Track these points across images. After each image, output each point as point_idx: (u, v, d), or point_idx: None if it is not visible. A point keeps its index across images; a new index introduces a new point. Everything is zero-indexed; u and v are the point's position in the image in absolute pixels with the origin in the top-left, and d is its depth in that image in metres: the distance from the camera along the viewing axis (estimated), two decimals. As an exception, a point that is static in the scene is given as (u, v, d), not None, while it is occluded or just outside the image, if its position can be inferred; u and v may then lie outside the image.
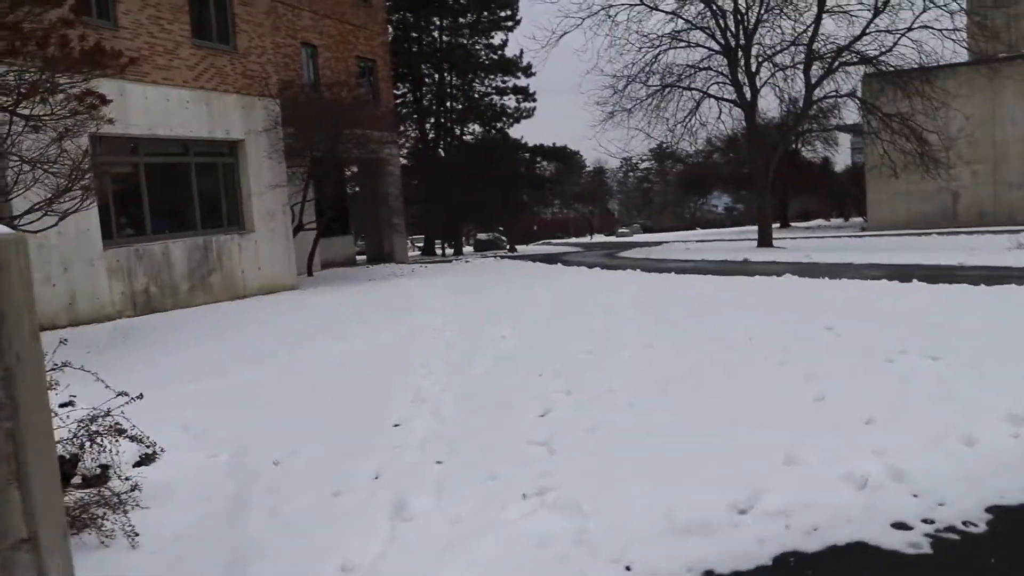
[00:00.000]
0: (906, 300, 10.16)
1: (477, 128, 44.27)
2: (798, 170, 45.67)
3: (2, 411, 2.06)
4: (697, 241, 36.23)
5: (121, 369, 9.32)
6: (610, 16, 26.80)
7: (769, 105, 55.54)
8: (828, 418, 4.98)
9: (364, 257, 33.01)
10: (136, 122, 15.50)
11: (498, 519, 3.66)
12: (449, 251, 44.63)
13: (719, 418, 5.16)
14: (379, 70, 30.30)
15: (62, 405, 5.82)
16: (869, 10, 24.94)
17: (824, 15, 25.59)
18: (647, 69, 27.08)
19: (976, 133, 30.49)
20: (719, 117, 38.51)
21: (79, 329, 13.55)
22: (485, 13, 41.66)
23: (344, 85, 25.05)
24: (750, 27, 26.67)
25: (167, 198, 17.24)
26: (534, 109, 43.72)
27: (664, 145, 31.36)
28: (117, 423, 4.41)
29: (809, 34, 26.01)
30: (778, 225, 47.26)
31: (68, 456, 4.39)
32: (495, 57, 42.80)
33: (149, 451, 4.78)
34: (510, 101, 43.65)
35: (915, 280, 11.83)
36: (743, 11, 26.67)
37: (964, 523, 3.60)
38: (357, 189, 33.55)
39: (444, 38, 41.63)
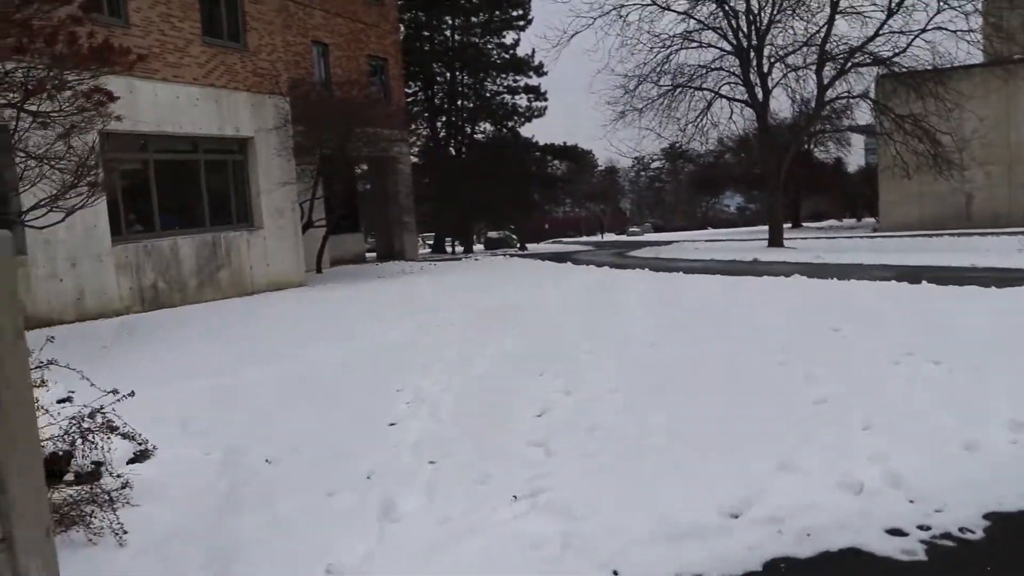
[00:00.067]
0: (914, 302, 10.05)
1: (488, 127, 44.27)
2: (810, 171, 45.43)
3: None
4: (707, 241, 36.08)
5: (124, 365, 9.35)
6: (621, 16, 26.75)
7: (781, 106, 55.35)
8: (827, 421, 4.92)
9: (374, 254, 33.04)
10: (146, 119, 15.53)
11: (488, 520, 3.63)
12: (459, 249, 44.61)
13: (717, 420, 5.11)
14: (390, 69, 30.30)
15: (59, 401, 5.85)
16: (883, 11, 24.76)
17: (837, 16, 25.43)
18: (658, 69, 27.00)
19: (990, 135, 30.20)
20: (730, 117, 38.24)
21: (86, 324, 13.61)
22: (497, 12, 41.62)
23: (355, 84, 25.05)
24: (762, 28, 26.53)
25: (176, 195, 17.29)
26: (545, 108, 43.68)
27: (676, 145, 31.26)
28: (109, 420, 4.40)
29: (822, 35, 25.85)
30: (790, 225, 47.01)
31: (61, 453, 4.39)
32: (507, 56, 42.76)
33: (141, 448, 4.77)
34: (521, 100, 43.65)
35: (924, 281, 11.71)
36: (755, 12, 26.54)
37: (961, 530, 3.54)
38: (368, 187, 33.58)
39: (456, 37, 41.61)
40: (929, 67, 24.58)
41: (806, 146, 42.34)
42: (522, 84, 43.25)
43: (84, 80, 10.57)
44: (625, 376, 6.68)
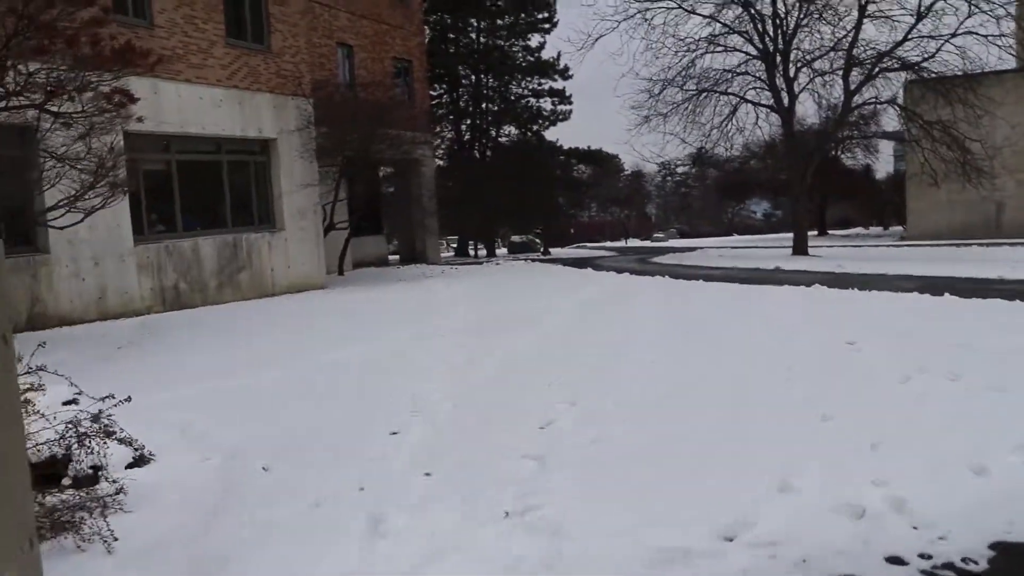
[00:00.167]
0: (934, 315, 9.86)
1: (513, 130, 44.20)
2: (838, 177, 44.92)
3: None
4: (732, 247, 35.79)
5: (135, 366, 9.43)
6: (646, 19, 26.65)
7: (807, 111, 54.70)
8: (832, 440, 4.80)
9: (397, 257, 33.13)
10: (169, 120, 15.67)
11: (472, 539, 3.56)
12: (482, 252, 44.61)
13: (719, 437, 5.01)
14: (415, 71, 30.36)
15: (65, 403, 5.85)
16: (911, 15, 24.44)
17: (865, 20, 25.15)
18: (684, 73, 26.85)
19: (1022, 142, 29.69)
20: (756, 123, 37.96)
21: (107, 323, 13.75)
22: (523, 15, 41.58)
23: (379, 85, 25.13)
24: (789, 32, 26.30)
25: (198, 195, 17.43)
26: (570, 112, 43.55)
27: (702, 150, 31.08)
28: (106, 425, 4.39)
29: (849, 39, 25.54)
30: (815, 233, 46.53)
31: (60, 456, 4.39)
32: (532, 59, 42.70)
33: (139, 453, 4.76)
34: (546, 104, 43.55)
35: (947, 294, 11.48)
36: (782, 16, 26.31)
37: (964, 560, 3.40)
38: (391, 189, 33.68)
39: (481, 39, 41.63)
40: (959, 72, 24.20)
41: (833, 152, 41.88)
42: (547, 87, 43.22)
43: (105, 81, 10.68)
44: (630, 388, 6.59)
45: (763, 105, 27.65)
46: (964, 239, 29.49)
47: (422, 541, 3.57)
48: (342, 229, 23.15)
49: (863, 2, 25.03)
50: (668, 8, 26.56)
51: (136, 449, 4.59)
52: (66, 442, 4.20)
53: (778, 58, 26.55)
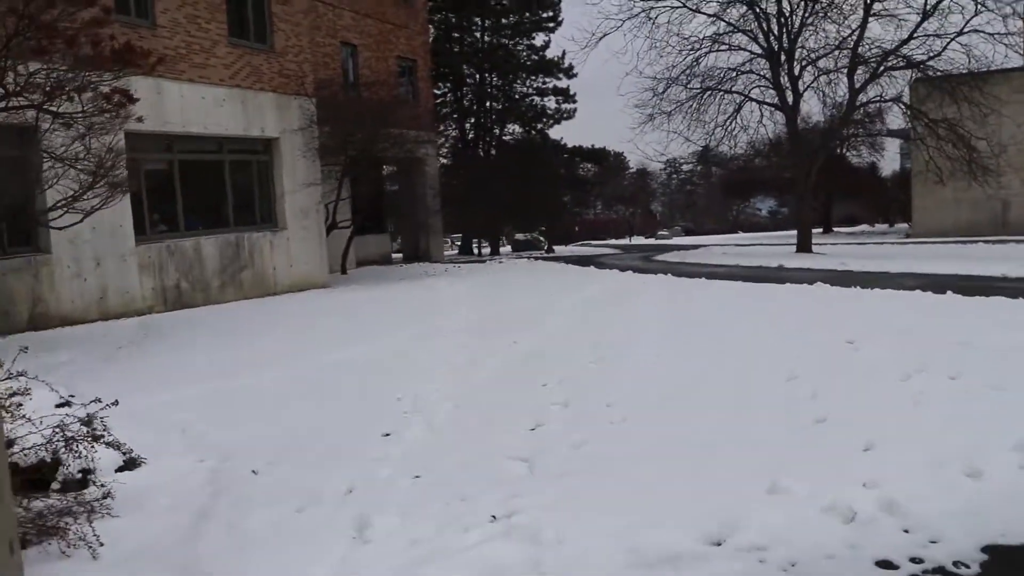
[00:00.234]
0: (936, 313, 9.79)
1: (517, 129, 44.12)
2: (843, 175, 44.76)
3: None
4: (736, 245, 35.68)
5: (134, 366, 9.43)
6: (651, 18, 26.51)
7: (812, 109, 54.58)
8: (826, 442, 4.75)
9: (401, 255, 33.12)
10: (171, 119, 15.68)
11: (455, 545, 3.52)
12: (486, 251, 44.56)
13: (712, 438, 4.96)
14: (419, 70, 30.32)
15: (58, 405, 5.85)
16: (917, 13, 24.24)
17: (870, 19, 24.98)
18: (688, 72, 26.74)
19: (1029, 141, 29.52)
20: (760, 121, 37.85)
21: (108, 323, 13.76)
22: (527, 14, 41.51)
23: (383, 85, 25.09)
24: (794, 30, 26.15)
25: (201, 195, 17.42)
26: (575, 110, 43.44)
27: (708, 148, 31.00)
28: (94, 428, 4.37)
29: (854, 38, 25.39)
30: (821, 230, 46.38)
31: (50, 460, 4.38)
32: (536, 58, 42.62)
33: (130, 456, 4.74)
34: (550, 102, 43.43)
35: (949, 292, 11.40)
36: (787, 14, 26.17)
37: (955, 564, 3.35)
38: (395, 188, 33.66)
39: (486, 38, 41.55)
40: (965, 71, 24.03)
41: (838, 150, 41.72)
42: (551, 86, 43.09)
43: (106, 82, 10.68)
44: (627, 389, 6.55)
45: (767, 103, 27.54)
46: (970, 237, 29.34)
47: (405, 547, 3.54)
48: (345, 228, 23.13)
49: (868, 0, 24.90)
50: (672, 7, 26.44)
51: (124, 453, 4.58)
52: (53, 446, 4.18)
53: (782, 56, 26.42)
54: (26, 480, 4.14)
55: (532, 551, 3.43)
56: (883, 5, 24.96)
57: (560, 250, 42.44)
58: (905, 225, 42.81)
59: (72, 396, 6.15)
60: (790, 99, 26.83)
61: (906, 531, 3.60)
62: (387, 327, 11.51)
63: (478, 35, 41.45)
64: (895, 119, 34.83)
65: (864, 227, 55.56)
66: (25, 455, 4.18)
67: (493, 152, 42.72)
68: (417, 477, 4.59)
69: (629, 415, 5.70)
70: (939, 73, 24.59)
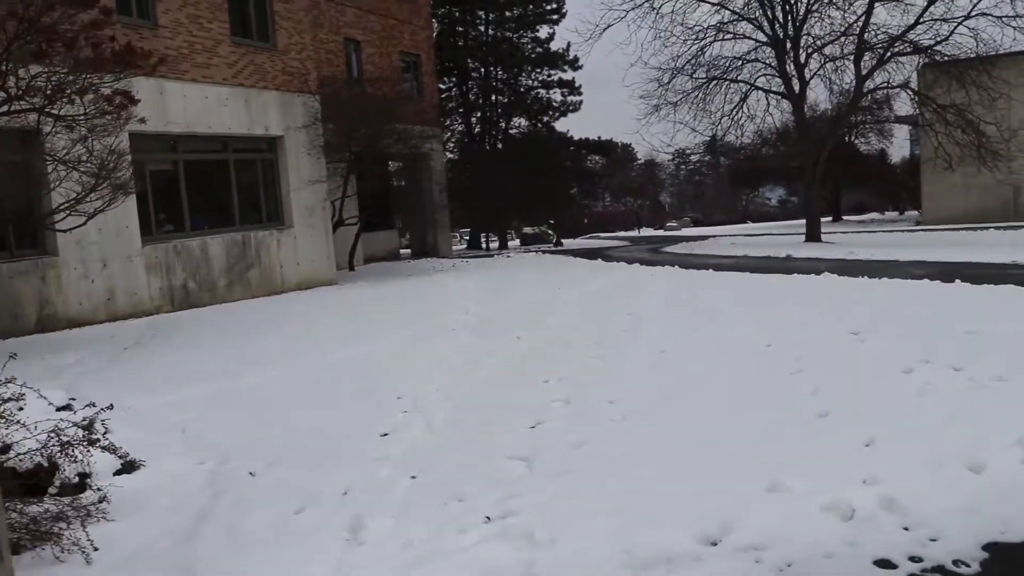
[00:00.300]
0: (943, 302, 9.68)
1: (523, 122, 44.07)
2: (852, 163, 44.47)
3: None
4: (745, 235, 35.50)
5: (139, 367, 9.45)
6: (654, 8, 26.40)
7: (819, 97, 54.21)
8: (827, 438, 4.70)
9: (409, 251, 33.13)
10: (175, 120, 15.69)
11: (450, 546, 3.50)
12: (494, 245, 44.55)
13: (712, 436, 4.92)
14: (423, 65, 30.26)
15: (59, 408, 5.85)
16: (924, -3, 24.05)
17: (876, 4, 24.79)
18: (693, 62, 26.62)
19: (1040, 125, 29.20)
20: (767, 110, 37.66)
21: (116, 324, 13.80)
22: (531, 6, 41.40)
23: (387, 80, 25.05)
24: (799, 17, 25.99)
25: (206, 194, 17.45)
26: (580, 103, 43.35)
27: (716, 139, 30.89)
28: (89, 433, 4.37)
29: (860, 24, 25.20)
30: (830, 219, 46.14)
31: (47, 465, 4.38)
32: (541, 50, 42.53)
33: (128, 460, 4.74)
34: (556, 95, 43.40)
35: (958, 280, 11.29)
36: (792, 1, 25.99)
37: (955, 563, 3.29)
38: (402, 184, 33.66)
39: (490, 32, 41.48)
40: (972, 55, 23.81)
41: (847, 138, 41.45)
42: (556, 79, 43.02)
43: (107, 83, 10.68)
44: (628, 385, 6.51)
45: (774, 92, 27.41)
46: (981, 223, 29.11)
47: (399, 549, 3.51)
48: (352, 225, 23.13)
49: (874, -15, 24.70)
50: (676, -4, 26.33)
51: (120, 457, 4.57)
52: (48, 451, 4.18)
53: (788, 44, 26.25)
54: (23, 485, 4.14)
55: (526, 552, 3.40)
56: (889, -11, 24.77)
57: (568, 243, 42.40)
58: (915, 212, 42.55)
59: (73, 399, 6.16)
60: (796, 87, 26.68)
61: (906, 529, 3.55)
62: (391, 325, 11.49)
63: (482, 29, 41.39)
64: (903, 105, 34.63)
65: (874, 215, 55.23)
66: (21, 460, 4.18)
67: (500, 146, 42.69)
68: (414, 477, 4.57)
69: (630, 412, 5.67)
70: (947, 58, 24.39)
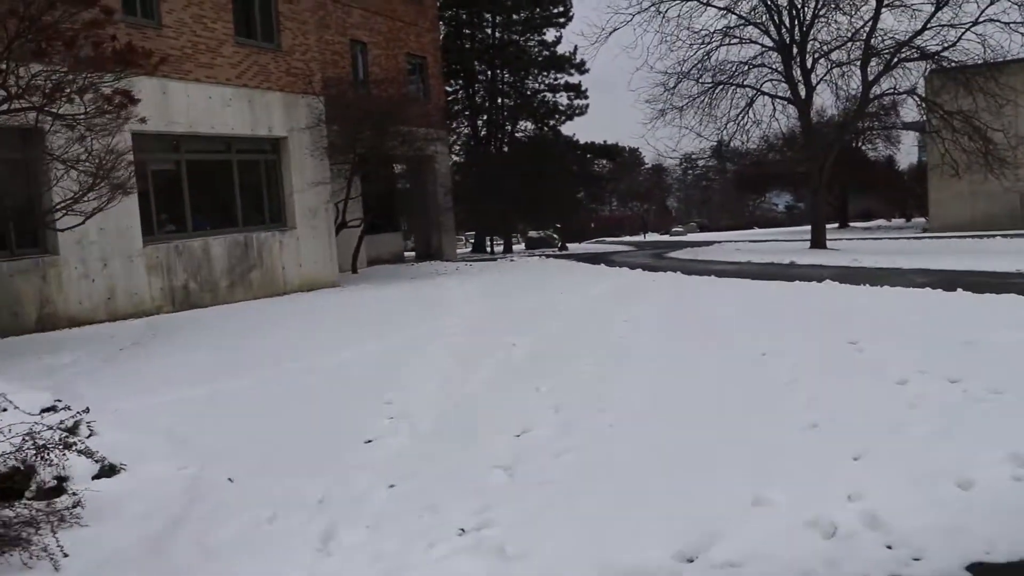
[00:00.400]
0: (943, 311, 9.57)
1: (529, 125, 44.03)
2: (859, 169, 44.31)
3: None
4: (750, 241, 35.39)
5: (134, 368, 9.42)
6: (660, 12, 26.31)
7: (826, 102, 54.04)
8: (815, 450, 4.61)
9: (413, 254, 33.09)
10: (178, 120, 15.68)
11: (420, 560, 3.44)
12: (498, 248, 44.49)
13: (701, 446, 4.84)
14: (429, 67, 30.23)
15: (44, 410, 5.83)
16: (931, 3, 23.89)
17: (883, 9, 24.64)
18: (699, 66, 26.53)
19: (1047, 133, 28.99)
20: (773, 115, 37.50)
21: (116, 324, 13.79)
22: (538, 9, 41.36)
23: (392, 82, 25.02)
24: (806, 22, 25.87)
25: (208, 195, 17.44)
26: (587, 106, 43.26)
27: (722, 143, 30.79)
28: (66, 437, 4.33)
29: (867, 29, 25.08)
30: (836, 226, 45.98)
31: (23, 468, 4.34)
32: (547, 54, 42.48)
33: (101, 464, 4.69)
34: (562, 98, 43.29)
35: (960, 289, 11.18)
36: (799, 6, 25.89)
37: (937, 583, 3.23)
38: (407, 186, 33.63)
39: (497, 34, 41.45)
40: (980, 61, 23.67)
41: (854, 144, 41.30)
42: (563, 82, 42.92)
43: (107, 83, 10.66)
44: (620, 393, 6.44)
45: (780, 97, 27.28)
46: (988, 231, 28.94)
47: (369, 561, 3.45)
48: (355, 227, 23.10)
49: (881, -9, 24.58)
50: (683, 0, 26.26)
51: (97, 461, 4.53)
52: (22, 455, 4.14)
53: (795, 49, 26.15)
54: (-2, 488, 4.10)
55: (500, 566, 3.33)
56: (896, -5, 24.64)
57: (573, 247, 42.36)
58: (922, 220, 42.36)
59: (59, 400, 6.12)
60: (803, 93, 26.56)
61: (889, 547, 3.46)
62: (389, 328, 11.45)
63: (489, 31, 41.36)
64: (910, 112, 34.41)
65: (880, 222, 55.06)
66: (-5, 464, 4.14)
67: (505, 149, 42.64)
68: (392, 486, 4.51)
69: (618, 421, 5.59)
70: (954, 64, 24.24)
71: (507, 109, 42.64)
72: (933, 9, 23.79)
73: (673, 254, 28.40)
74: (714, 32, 26.53)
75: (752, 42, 26.79)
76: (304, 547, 3.66)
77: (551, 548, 3.45)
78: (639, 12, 26.37)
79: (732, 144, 29.60)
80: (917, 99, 26.48)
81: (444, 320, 11.82)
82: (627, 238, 60.04)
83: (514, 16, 41.50)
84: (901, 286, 12.33)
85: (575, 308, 12.48)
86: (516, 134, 43.76)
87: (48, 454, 4.15)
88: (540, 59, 42.46)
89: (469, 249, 44.90)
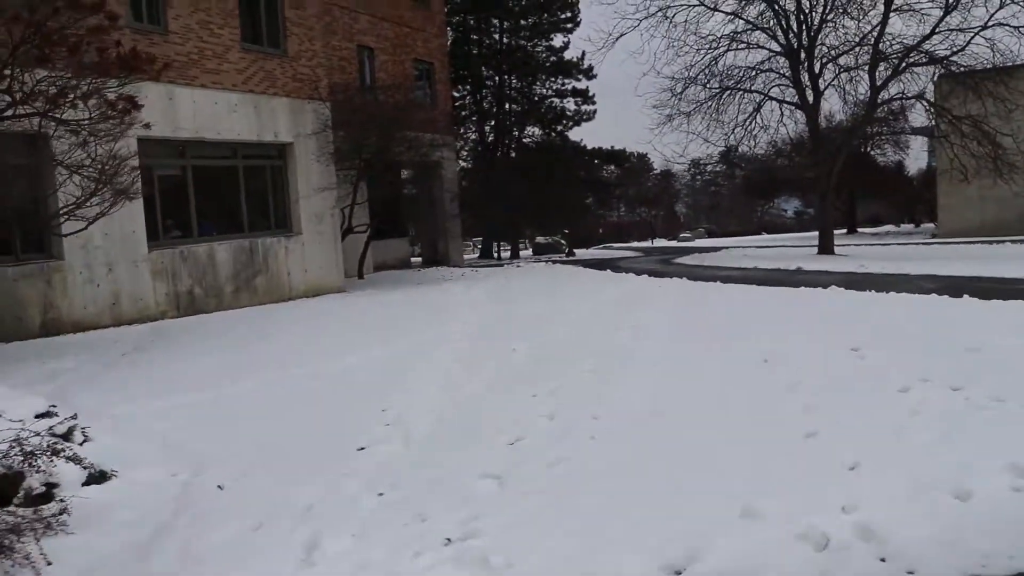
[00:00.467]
0: (948, 318, 9.46)
1: (537, 131, 44.02)
2: (868, 174, 44.09)
3: None
4: (757, 247, 35.21)
5: (134, 374, 9.42)
6: (667, 17, 26.27)
7: (834, 108, 53.81)
8: (811, 459, 4.54)
9: (420, 259, 33.09)
10: (184, 125, 15.71)
11: (406, 569, 3.39)
12: (505, 254, 44.48)
13: (696, 454, 4.77)
14: (437, 72, 30.24)
15: (39, 415, 5.81)
16: (940, 8, 23.76)
17: (892, 14, 24.52)
18: (706, 71, 26.47)
19: (1056, 137, 28.77)
20: (780, 120, 37.37)
21: (120, 329, 13.80)
22: (546, 15, 41.37)
23: (400, 88, 25.04)
24: (813, 27, 25.78)
25: (214, 200, 17.46)
26: (594, 112, 43.20)
27: (731, 148, 30.70)
28: (54, 444, 4.30)
29: (875, 34, 24.97)
30: (845, 231, 45.75)
31: (9, 474, 4.31)
32: (555, 59, 42.47)
33: (89, 471, 4.66)
34: (569, 104, 43.26)
35: (966, 295, 11.07)
36: (806, 11, 25.81)
37: (931, 597, 3.16)
38: (414, 192, 33.66)
39: (504, 40, 41.47)
40: (989, 66, 23.51)
41: (863, 149, 41.11)
42: (570, 87, 42.91)
43: (112, 88, 10.68)
44: (617, 401, 6.37)
45: (788, 102, 27.18)
46: (997, 236, 28.72)
47: (352, 571, 3.41)
48: (361, 232, 23.10)
49: (889, -5, 24.47)
50: (690, 5, 26.19)
51: (85, 468, 4.50)
52: (9, 461, 4.11)
53: (802, 54, 26.05)
54: (-15, 495, 4.08)
55: (483, 577, 3.28)
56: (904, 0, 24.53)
57: (581, 253, 42.26)
58: (931, 225, 42.11)
59: (54, 406, 6.11)
60: (811, 97, 26.46)
61: (882, 560, 3.38)
62: (392, 334, 11.42)
63: (496, 37, 41.38)
64: (919, 116, 34.26)
65: (889, 227, 54.75)
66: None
67: (513, 155, 42.64)
68: (381, 494, 4.46)
69: (613, 429, 5.52)
70: (963, 68, 24.08)
71: (514, 115, 42.64)
72: (942, 13, 23.67)
73: (680, 260, 28.31)
74: (721, 37, 26.51)
75: (760, 47, 26.75)
76: (288, 556, 3.62)
77: (536, 560, 3.40)
78: (646, 17, 26.37)
79: (740, 149, 29.49)
80: (926, 104, 26.31)
81: (448, 326, 11.78)
82: (635, 244, 59.92)
83: (522, 22, 41.52)
84: (907, 292, 12.21)
85: (579, 314, 12.42)
86: (524, 140, 43.78)
87: (36, 460, 4.12)
88: (548, 65, 42.45)
89: (476, 255, 44.88)
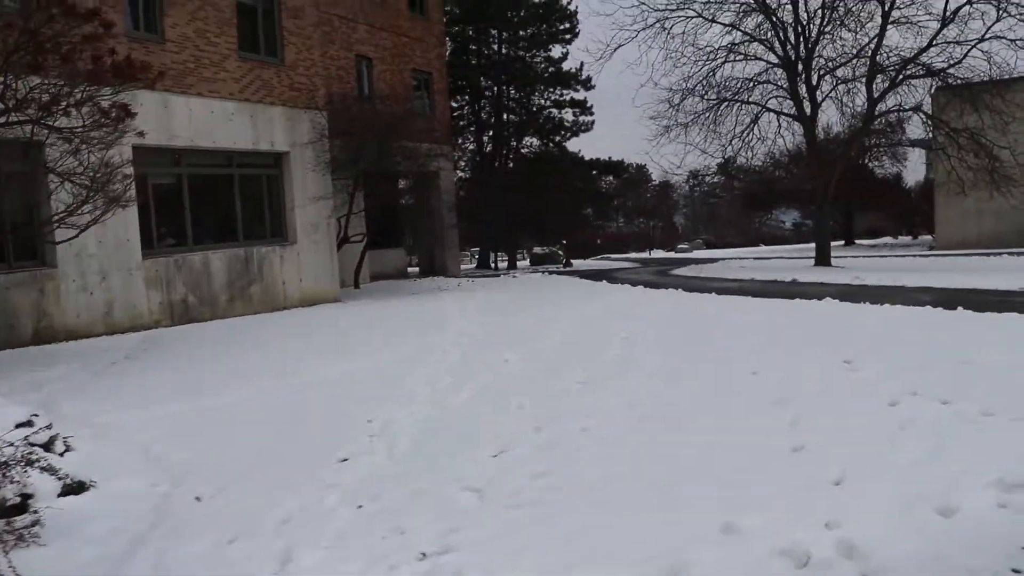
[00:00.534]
0: (942, 330, 9.42)
1: (535, 142, 44.08)
2: (866, 186, 44.16)
3: None
4: (754, 259, 35.23)
5: (124, 383, 9.37)
6: (665, 28, 26.37)
7: (831, 119, 53.99)
8: (796, 474, 4.48)
9: (417, 270, 33.06)
10: (179, 134, 15.69)
11: (377, 585, 3.35)
12: (503, 264, 44.45)
13: (680, 468, 4.71)
14: (435, 83, 30.27)
15: (19, 425, 5.75)
16: (937, 20, 23.84)
17: (889, 26, 24.60)
18: (704, 83, 26.52)
19: (1053, 150, 28.80)
20: (778, 131, 37.49)
21: (113, 338, 13.75)
22: (544, 26, 41.49)
23: (397, 98, 25.05)
24: (811, 39, 25.85)
25: (209, 209, 17.43)
26: (593, 123, 43.30)
27: (728, 161, 30.74)
28: (29, 454, 4.25)
29: (872, 46, 25.04)
30: (842, 243, 45.78)
31: (-15, 485, 4.25)
32: (553, 70, 42.58)
33: (65, 482, 4.61)
34: (568, 114, 43.36)
35: (960, 307, 11.05)
36: (804, 23, 25.88)
37: (913, 615, 3.10)
38: (411, 201, 33.65)
39: (503, 51, 41.57)
40: (986, 78, 23.56)
41: (861, 161, 41.18)
42: (568, 98, 43.00)
43: (106, 96, 10.66)
44: (604, 413, 6.31)
45: (785, 114, 27.22)
46: (994, 248, 28.74)
47: (323, 586, 3.37)
48: (357, 242, 23.07)
49: (887, 8, 24.54)
50: (688, 17, 26.29)
51: (60, 479, 4.45)
52: (-18, 472, 4.06)
53: (800, 66, 26.12)
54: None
55: (453, 594, 3.23)
56: (902, 12, 24.63)
57: (578, 264, 42.28)
58: (929, 237, 42.14)
59: (36, 415, 6.04)
60: (808, 109, 26.52)
61: (863, 576, 3.34)
62: (384, 344, 11.37)
63: (495, 47, 41.47)
64: (916, 129, 34.33)
65: (887, 239, 54.82)
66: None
67: (511, 165, 42.68)
68: (360, 507, 4.41)
69: (599, 441, 5.47)
70: (960, 81, 24.13)
71: (513, 125, 42.71)
72: (939, 26, 23.75)
73: (677, 271, 28.29)
74: (719, 48, 26.61)
75: (757, 59, 26.82)
76: (260, 570, 3.56)
77: (512, 575, 3.35)
78: (644, 28, 26.45)
79: (737, 161, 29.52)
80: (923, 116, 26.37)
81: (440, 337, 11.74)
82: (633, 255, 59.94)
83: (521, 32, 41.64)
84: (902, 304, 12.19)
85: (572, 325, 12.38)
86: (522, 150, 43.83)
87: (10, 471, 4.07)
88: (546, 75, 42.56)
89: (473, 265, 44.87)
